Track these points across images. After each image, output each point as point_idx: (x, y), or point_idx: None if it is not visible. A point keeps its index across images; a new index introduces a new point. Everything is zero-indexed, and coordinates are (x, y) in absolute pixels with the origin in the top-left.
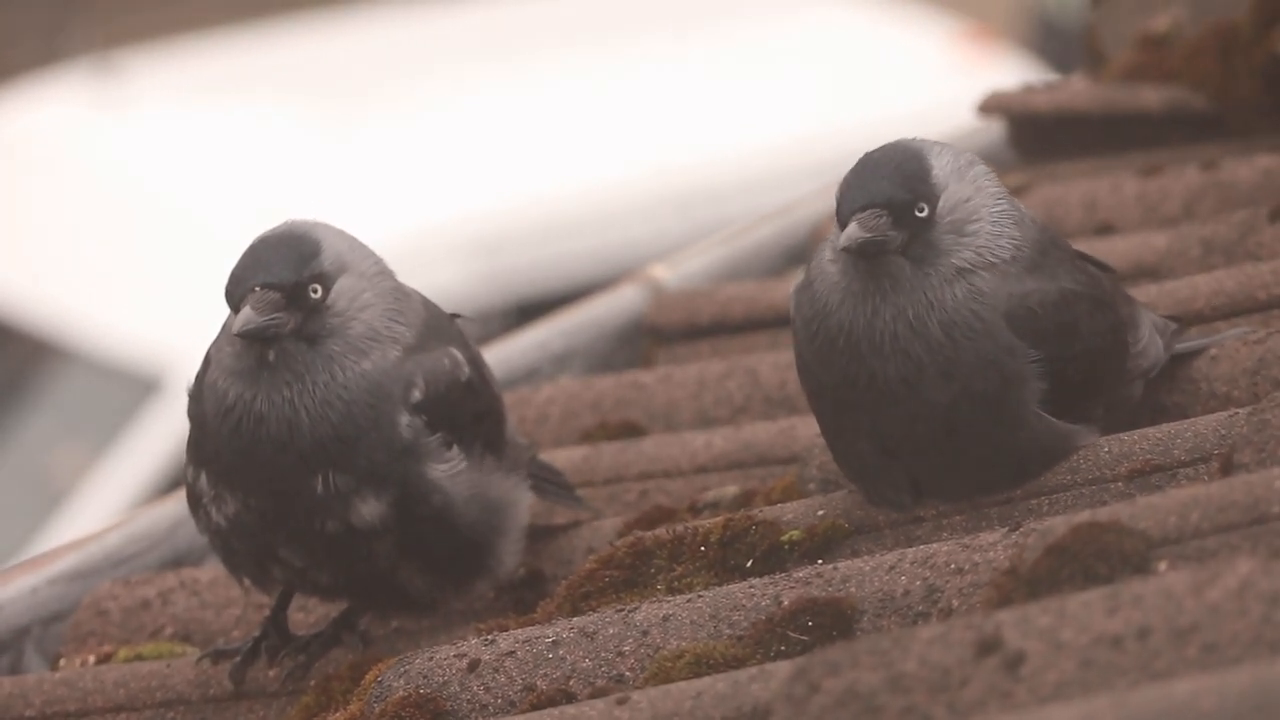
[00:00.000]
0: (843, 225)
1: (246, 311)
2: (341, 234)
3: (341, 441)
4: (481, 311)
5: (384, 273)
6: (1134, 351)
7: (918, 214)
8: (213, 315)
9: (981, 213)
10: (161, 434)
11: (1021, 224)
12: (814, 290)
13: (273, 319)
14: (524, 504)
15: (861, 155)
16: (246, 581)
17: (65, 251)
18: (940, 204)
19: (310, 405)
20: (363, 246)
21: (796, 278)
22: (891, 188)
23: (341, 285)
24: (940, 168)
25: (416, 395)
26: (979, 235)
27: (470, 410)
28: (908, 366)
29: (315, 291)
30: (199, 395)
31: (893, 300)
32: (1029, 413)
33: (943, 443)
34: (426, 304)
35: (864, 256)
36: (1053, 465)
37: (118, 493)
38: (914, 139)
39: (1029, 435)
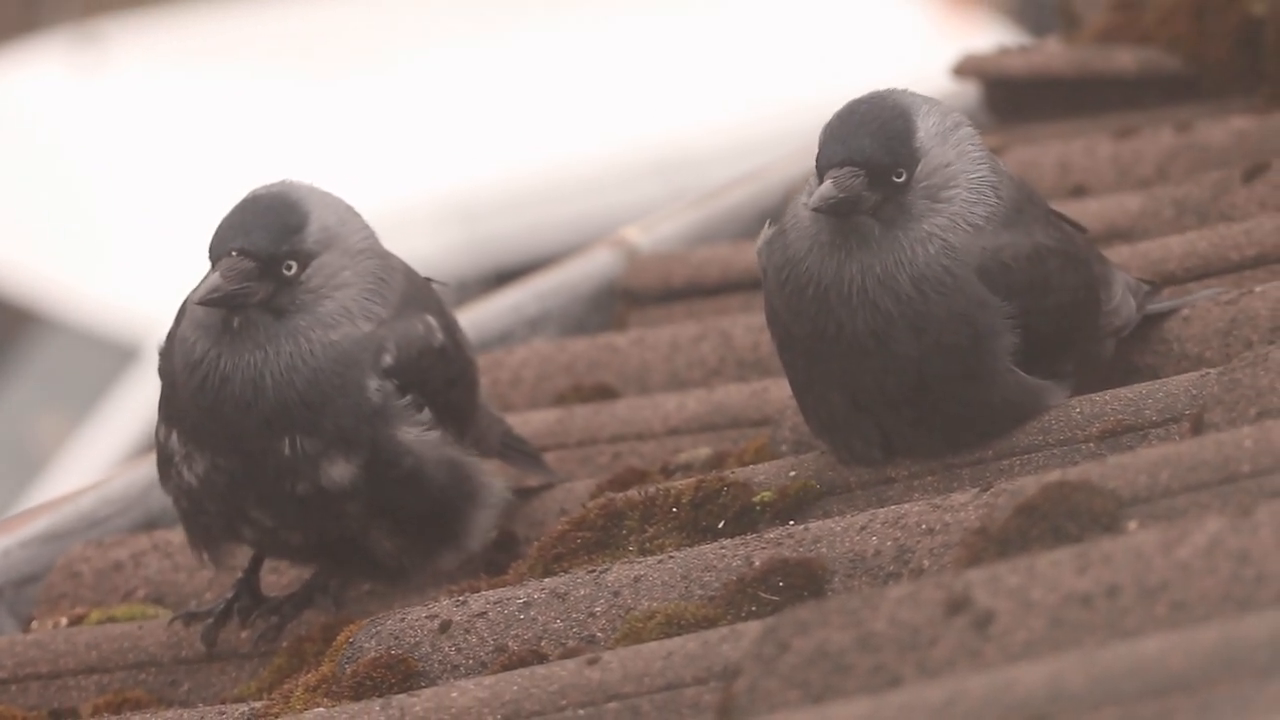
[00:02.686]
0: (821, 176)
1: (214, 278)
2: (334, 204)
3: (307, 407)
4: (460, 279)
5: (370, 250)
6: (1106, 309)
7: (894, 179)
8: (191, 283)
9: (959, 179)
10: (140, 401)
11: (999, 188)
12: (787, 237)
13: (240, 288)
14: (497, 482)
15: (850, 101)
16: (205, 554)
17: (44, 219)
18: (919, 169)
19: (275, 371)
20: (354, 218)
21: (764, 233)
22: (872, 147)
23: (320, 262)
24: (925, 129)
25: (387, 360)
26: (954, 202)
27: (442, 376)
28: (877, 319)
29: (289, 268)
30: (169, 351)
31: (858, 258)
32: (1000, 367)
33: (913, 397)
34: (409, 275)
35: (834, 215)
36: (1024, 422)
37: (97, 460)
38: (905, 93)
39: (1000, 390)
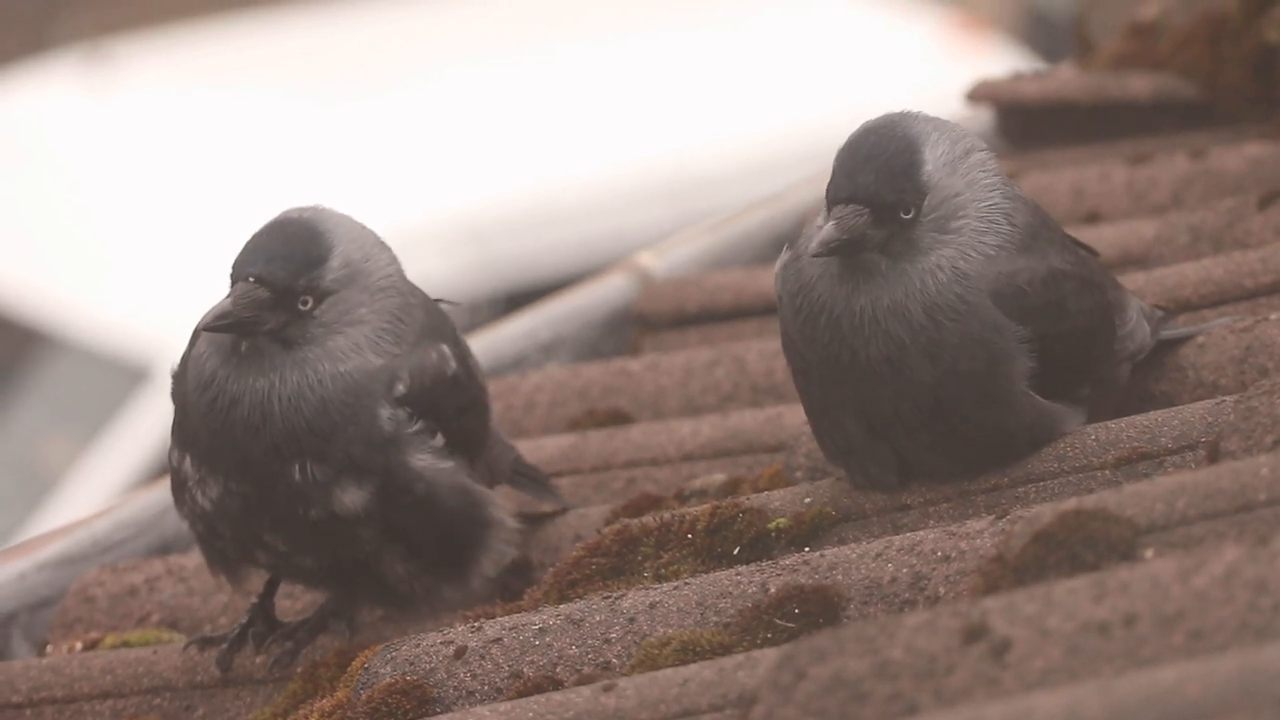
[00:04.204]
0: (829, 208)
1: (225, 303)
2: (362, 237)
3: (315, 434)
4: (470, 300)
5: (392, 287)
6: (1121, 333)
7: (902, 215)
8: (202, 303)
9: (969, 209)
10: (151, 422)
11: (1013, 214)
12: (800, 263)
13: (250, 317)
14: (509, 509)
15: (860, 128)
16: (223, 577)
17: (54, 239)
18: (926, 203)
19: (281, 398)
20: (381, 253)
21: (781, 257)
22: (878, 184)
23: (337, 298)
24: (933, 161)
25: (400, 389)
26: (962, 233)
27: (454, 403)
28: (890, 346)
29: (305, 302)
30: (182, 375)
31: (866, 290)
32: (1016, 391)
33: (930, 422)
34: (428, 308)
35: (838, 256)
36: (1041, 446)
37: (107, 481)
38: (916, 118)
39: (1016, 414)
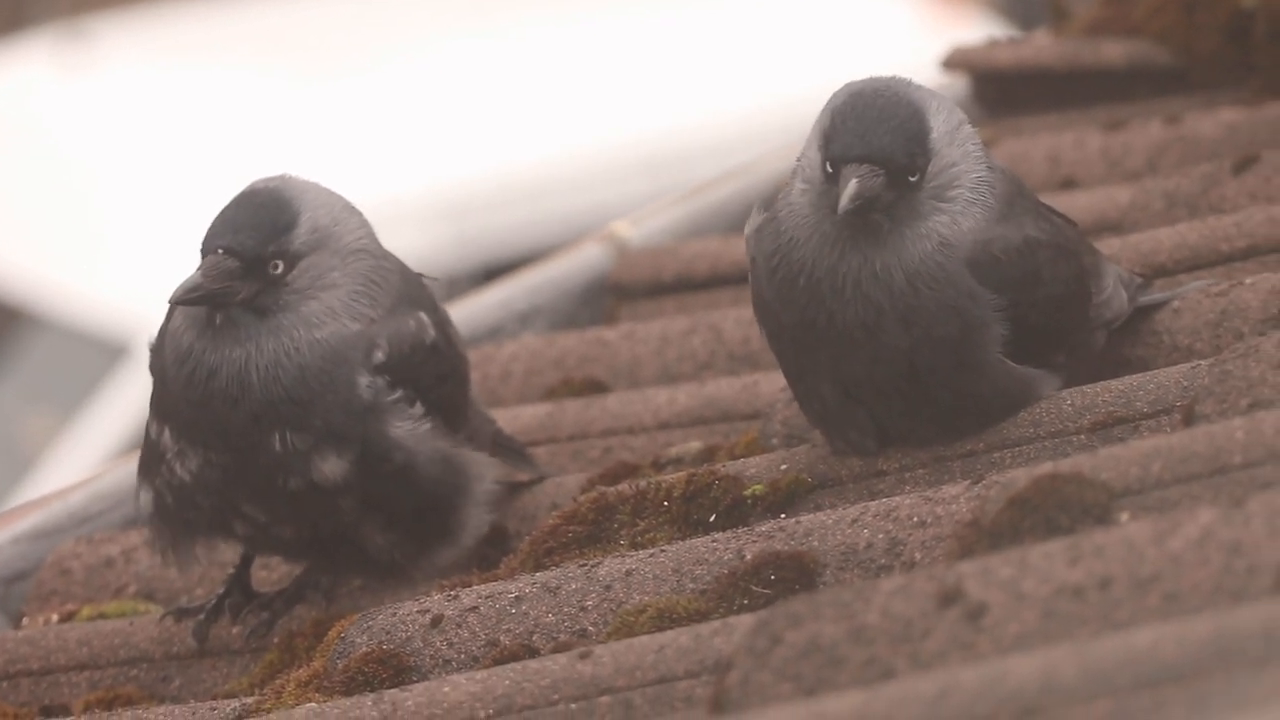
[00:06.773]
0: (833, 166)
1: (195, 276)
2: (330, 201)
3: (294, 403)
4: (449, 276)
5: (364, 250)
6: (1097, 301)
7: (910, 179)
8: (180, 280)
9: (963, 179)
10: (130, 399)
11: (994, 185)
12: (779, 224)
13: (221, 288)
14: (489, 476)
15: (861, 88)
16: (170, 555)
17: (32, 217)
18: (930, 169)
19: (259, 367)
20: (351, 216)
21: (754, 219)
22: (894, 146)
23: (308, 263)
24: (937, 129)
25: (379, 356)
26: (956, 201)
27: (434, 372)
28: (867, 311)
29: (276, 267)
30: (160, 347)
31: (862, 250)
32: (990, 358)
33: (904, 387)
34: (404, 274)
35: (859, 215)
36: (1016, 411)
37: (86, 458)
38: (914, 86)
39: (990, 380)
